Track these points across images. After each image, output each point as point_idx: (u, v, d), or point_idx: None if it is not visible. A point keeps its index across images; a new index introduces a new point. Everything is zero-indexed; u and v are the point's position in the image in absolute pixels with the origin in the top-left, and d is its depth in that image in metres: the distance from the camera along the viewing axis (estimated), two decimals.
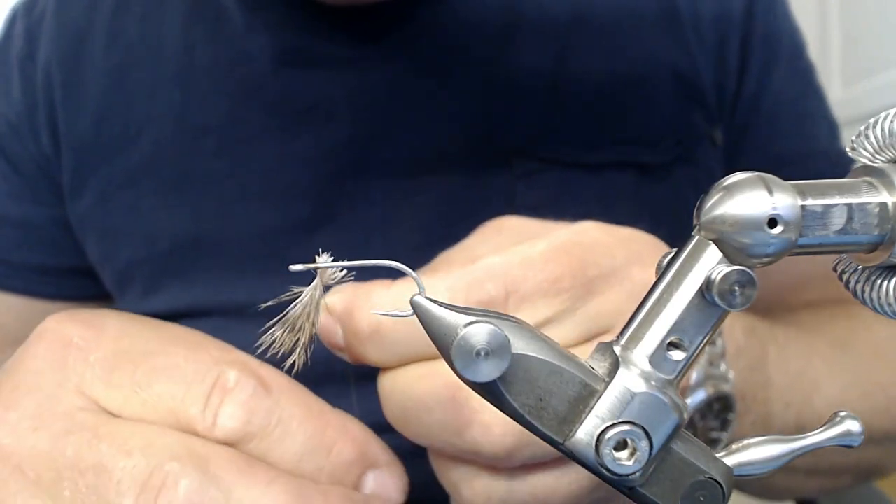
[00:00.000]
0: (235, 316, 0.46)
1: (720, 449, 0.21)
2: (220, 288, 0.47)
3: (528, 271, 0.27)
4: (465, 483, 0.27)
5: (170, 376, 0.24)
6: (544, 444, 0.25)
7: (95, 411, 0.23)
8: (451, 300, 0.26)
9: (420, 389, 0.27)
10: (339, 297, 0.27)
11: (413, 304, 0.20)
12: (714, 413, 0.31)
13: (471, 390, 0.25)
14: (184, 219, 0.48)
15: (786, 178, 0.19)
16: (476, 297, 0.26)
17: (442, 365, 0.26)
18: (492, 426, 0.25)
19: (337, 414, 0.26)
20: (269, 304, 0.23)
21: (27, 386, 0.24)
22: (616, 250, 0.28)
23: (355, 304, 0.27)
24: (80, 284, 0.54)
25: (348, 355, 0.28)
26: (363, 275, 0.23)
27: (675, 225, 0.47)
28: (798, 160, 0.53)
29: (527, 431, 0.25)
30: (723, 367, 0.32)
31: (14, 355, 0.25)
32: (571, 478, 0.27)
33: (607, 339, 0.27)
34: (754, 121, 0.53)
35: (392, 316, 0.21)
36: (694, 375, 0.31)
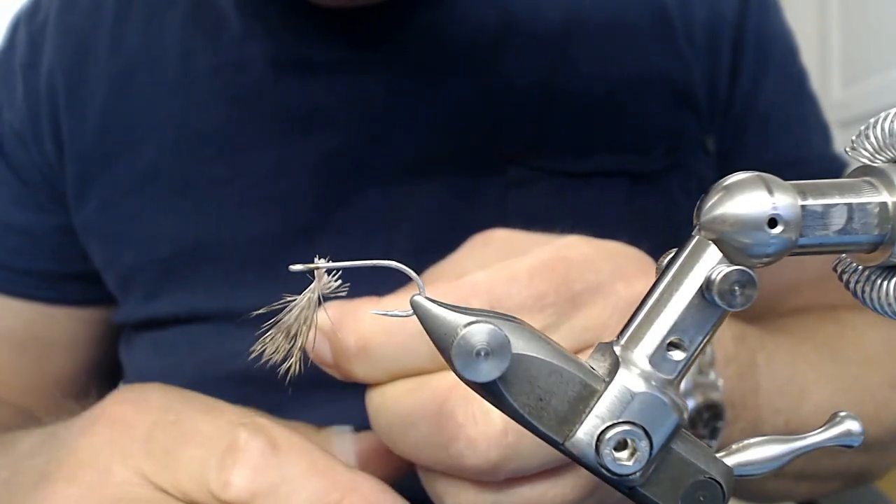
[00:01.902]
0: (235, 321, 0.46)
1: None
2: (221, 293, 0.48)
3: (513, 287, 0.27)
4: (451, 498, 0.27)
5: (193, 441, 0.26)
6: (530, 457, 0.26)
7: (141, 484, 0.26)
8: None
9: (406, 405, 0.27)
10: (327, 314, 0.28)
11: (413, 304, 0.20)
12: (703, 421, 0.31)
13: (456, 405, 0.26)
14: (185, 224, 0.48)
15: None
16: None
17: (427, 380, 0.27)
18: (477, 440, 0.25)
19: (346, 471, 0.26)
20: (261, 311, 0.23)
21: (87, 462, 0.27)
22: (601, 265, 0.28)
23: (343, 321, 0.27)
24: (83, 289, 0.54)
25: (337, 372, 0.28)
26: (363, 276, 0.23)
27: (667, 232, 0.47)
28: (791, 165, 0.53)
29: (511, 446, 0.25)
30: (712, 375, 0.32)
31: (78, 431, 0.28)
32: (558, 491, 0.26)
33: None
34: (747, 125, 0.53)
35: (392, 316, 0.21)
36: (683, 384, 0.31)
